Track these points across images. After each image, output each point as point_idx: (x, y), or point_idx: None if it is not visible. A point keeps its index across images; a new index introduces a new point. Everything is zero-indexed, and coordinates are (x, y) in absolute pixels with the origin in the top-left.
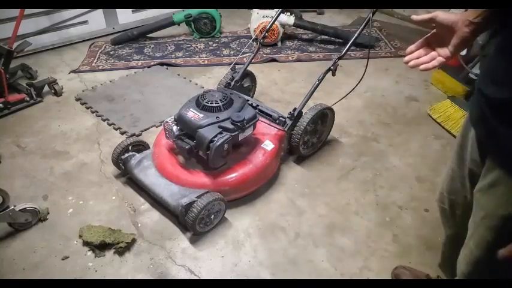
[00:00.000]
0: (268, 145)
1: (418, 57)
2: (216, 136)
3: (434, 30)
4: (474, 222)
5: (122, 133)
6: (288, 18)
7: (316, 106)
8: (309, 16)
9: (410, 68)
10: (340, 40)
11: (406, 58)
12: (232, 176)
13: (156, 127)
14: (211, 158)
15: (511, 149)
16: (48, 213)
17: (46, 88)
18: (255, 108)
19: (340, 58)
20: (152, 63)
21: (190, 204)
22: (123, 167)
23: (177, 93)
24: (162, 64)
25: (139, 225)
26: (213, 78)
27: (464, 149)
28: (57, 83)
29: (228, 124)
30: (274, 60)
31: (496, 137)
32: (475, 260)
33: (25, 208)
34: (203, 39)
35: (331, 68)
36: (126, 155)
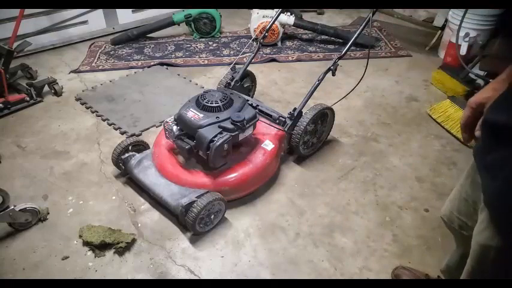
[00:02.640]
0: (268, 145)
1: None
2: (216, 136)
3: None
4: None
5: (122, 133)
6: (288, 18)
7: (316, 106)
8: (309, 16)
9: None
10: (340, 40)
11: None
12: (232, 176)
13: (156, 127)
14: (211, 158)
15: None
16: (48, 213)
17: (46, 88)
18: (255, 108)
19: (340, 58)
20: (152, 63)
21: (190, 204)
22: (123, 167)
23: (177, 93)
24: (162, 64)
25: (139, 225)
26: (213, 78)
27: (477, 172)
28: (57, 83)
29: (228, 124)
30: (274, 60)
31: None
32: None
33: (25, 208)
34: (203, 39)
35: (331, 68)
36: (126, 155)
